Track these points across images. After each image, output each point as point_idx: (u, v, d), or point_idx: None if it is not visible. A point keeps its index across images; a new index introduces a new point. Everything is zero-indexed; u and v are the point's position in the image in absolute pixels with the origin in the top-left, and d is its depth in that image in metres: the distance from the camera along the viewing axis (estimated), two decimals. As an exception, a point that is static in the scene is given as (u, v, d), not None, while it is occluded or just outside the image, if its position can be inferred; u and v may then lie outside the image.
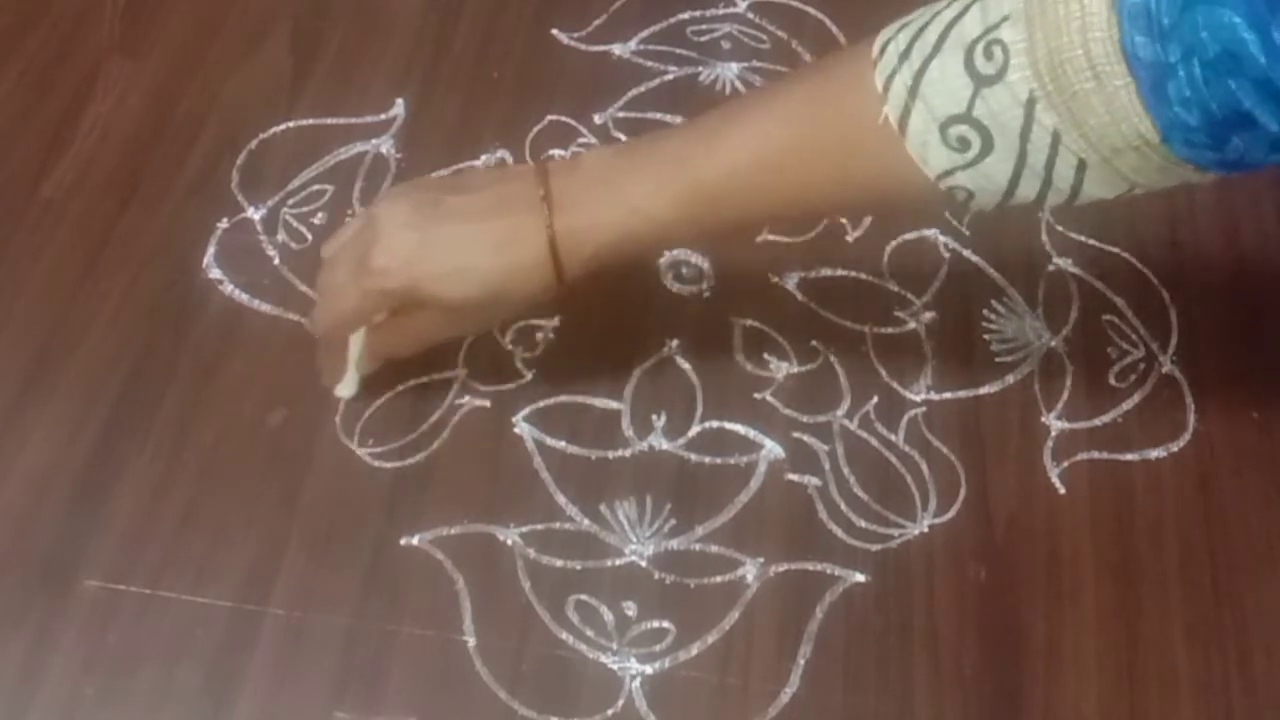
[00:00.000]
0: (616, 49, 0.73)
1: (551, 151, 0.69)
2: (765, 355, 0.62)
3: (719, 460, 0.58)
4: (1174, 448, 0.60)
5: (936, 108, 0.45)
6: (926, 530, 0.57)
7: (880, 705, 0.52)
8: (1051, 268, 0.66)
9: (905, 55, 0.46)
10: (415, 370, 0.60)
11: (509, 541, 0.56)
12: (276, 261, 0.64)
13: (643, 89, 0.71)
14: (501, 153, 0.68)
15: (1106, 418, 0.61)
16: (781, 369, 0.61)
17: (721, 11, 0.75)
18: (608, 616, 0.54)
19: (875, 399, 0.61)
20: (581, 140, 0.69)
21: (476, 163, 0.68)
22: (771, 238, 0.66)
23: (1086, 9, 0.41)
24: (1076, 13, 0.41)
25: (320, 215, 0.65)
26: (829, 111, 0.49)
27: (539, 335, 0.62)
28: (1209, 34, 0.38)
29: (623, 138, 0.69)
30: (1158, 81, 0.40)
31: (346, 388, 0.58)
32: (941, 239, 0.66)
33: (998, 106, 0.44)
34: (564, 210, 0.51)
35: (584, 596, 0.54)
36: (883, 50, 0.47)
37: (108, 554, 0.54)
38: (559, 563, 0.55)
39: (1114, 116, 0.42)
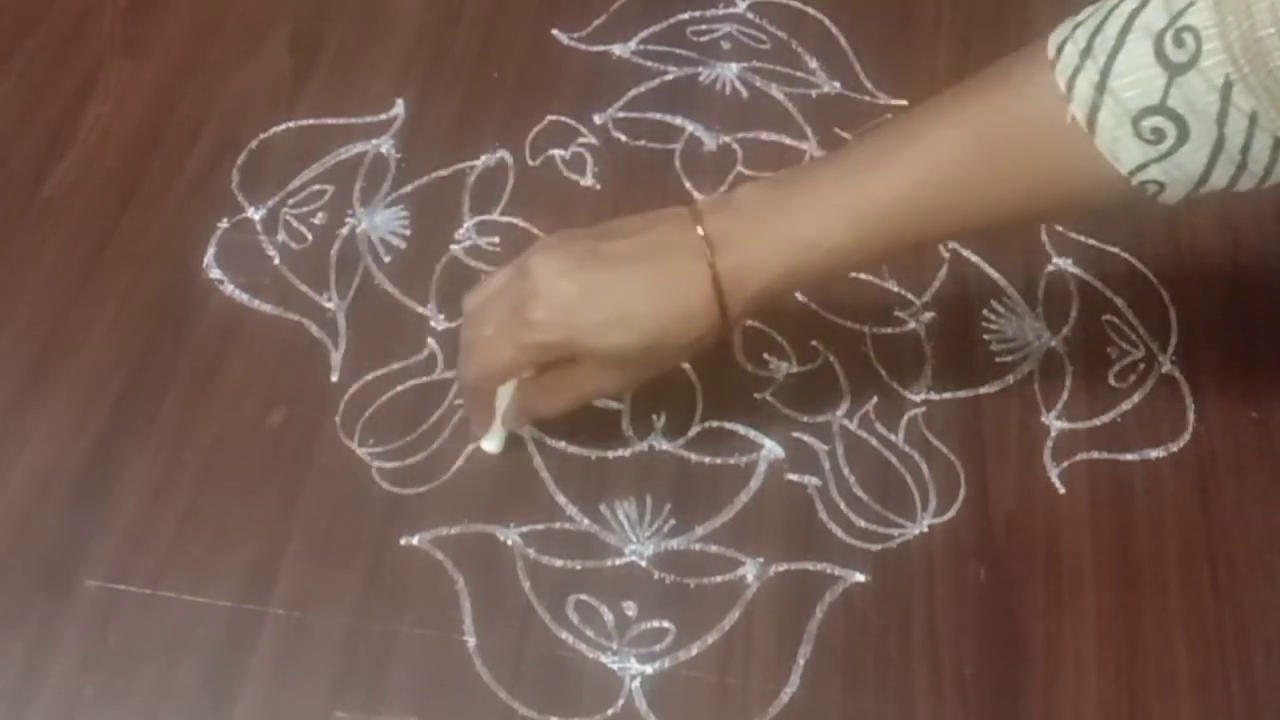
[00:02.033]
0: (616, 49, 0.73)
1: (551, 151, 0.69)
2: (765, 355, 0.62)
3: (719, 460, 0.58)
4: (1173, 447, 0.60)
5: (1128, 101, 0.45)
6: (926, 530, 0.57)
7: (880, 704, 0.52)
8: (1051, 267, 0.66)
9: (1088, 52, 0.45)
10: (416, 370, 0.60)
11: (509, 541, 0.56)
12: (277, 261, 0.64)
13: (642, 89, 0.72)
14: (501, 153, 0.68)
15: (1106, 417, 0.61)
16: (781, 369, 0.61)
17: (721, 12, 0.75)
18: (608, 616, 0.54)
19: (875, 399, 0.61)
20: (581, 140, 0.69)
21: (476, 163, 0.68)
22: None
23: None
24: None
25: (320, 215, 0.65)
26: (1009, 117, 0.48)
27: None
28: None
29: (623, 138, 0.70)
30: None
31: (493, 442, 0.56)
32: (941, 239, 0.66)
33: (1193, 94, 0.43)
34: (726, 249, 0.49)
35: (584, 596, 0.54)
36: (1059, 50, 0.46)
37: (108, 554, 0.54)
38: (559, 562, 0.55)
39: None
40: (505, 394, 0.55)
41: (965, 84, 0.50)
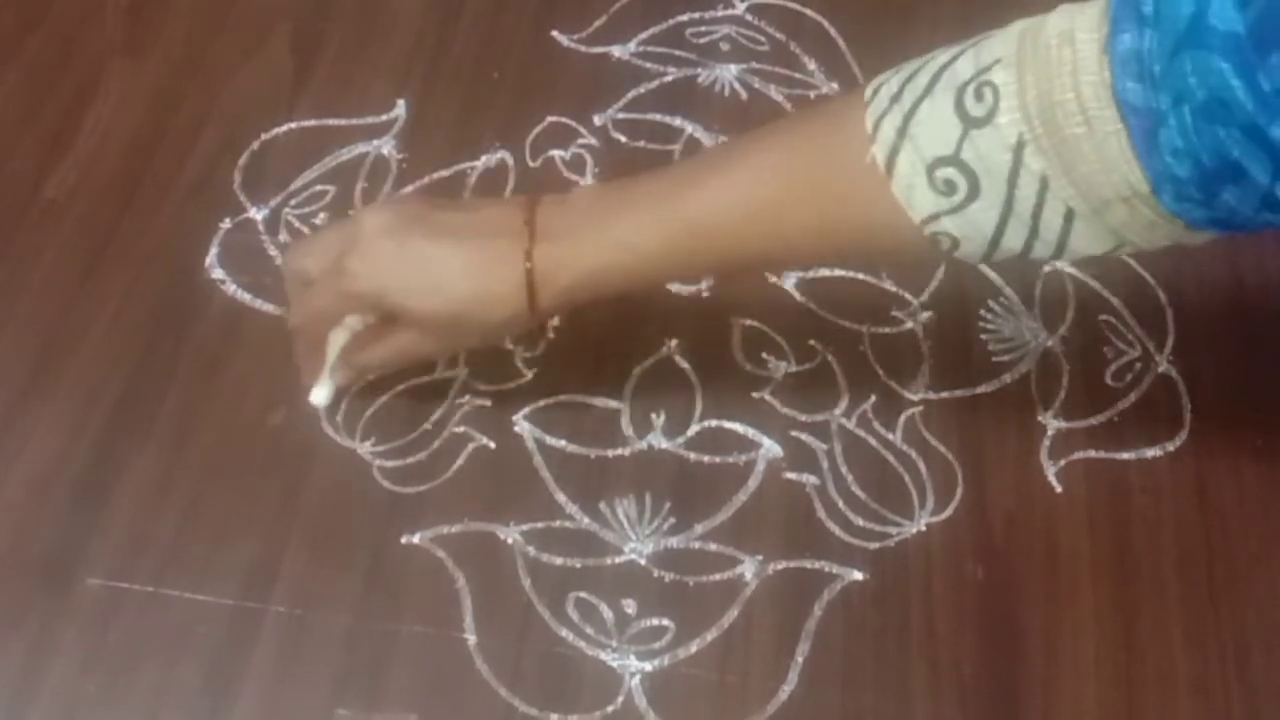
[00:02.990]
0: (616, 50, 0.73)
1: (551, 152, 0.69)
2: (764, 355, 0.62)
3: (718, 459, 0.59)
4: (1170, 447, 0.60)
5: (924, 148, 0.45)
6: (924, 529, 0.57)
7: (878, 703, 0.52)
8: (1048, 268, 0.66)
9: (897, 97, 0.46)
10: (413, 371, 0.60)
11: (509, 540, 0.56)
12: (279, 262, 0.64)
13: (642, 90, 0.72)
14: (502, 153, 0.69)
15: (1103, 417, 0.61)
16: (780, 368, 0.62)
17: (720, 13, 0.76)
18: (607, 614, 0.54)
19: (873, 398, 0.61)
20: (581, 141, 0.69)
21: (476, 163, 0.68)
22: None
23: (1079, 53, 0.41)
24: (1068, 57, 0.41)
25: (322, 216, 0.66)
26: (815, 156, 0.48)
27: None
28: (1197, 80, 0.38)
29: (623, 139, 0.70)
30: (1149, 130, 0.40)
31: (320, 394, 0.57)
32: (939, 239, 0.67)
33: (986, 149, 0.43)
34: (545, 239, 0.51)
35: (584, 594, 0.54)
36: (875, 92, 0.47)
37: (109, 552, 0.54)
38: (559, 561, 0.55)
39: (1104, 164, 0.41)
40: (335, 346, 0.55)
41: (799, 112, 0.51)
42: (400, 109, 0.70)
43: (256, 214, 0.65)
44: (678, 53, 0.74)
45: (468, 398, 0.60)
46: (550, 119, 0.70)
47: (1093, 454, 0.60)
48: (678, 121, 0.71)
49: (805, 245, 0.51)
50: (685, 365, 0.61)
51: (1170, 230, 0.43)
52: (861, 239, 0.49)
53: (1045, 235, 0.44)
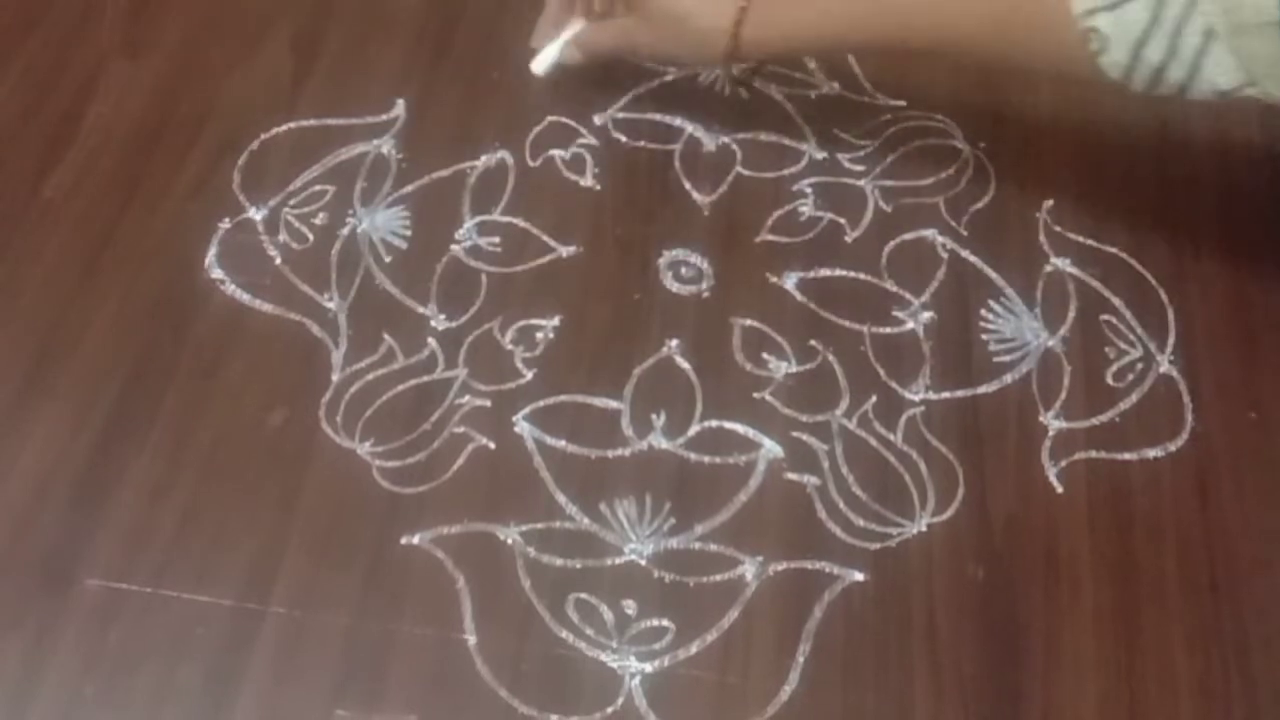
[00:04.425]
0: (616, 50, 0.73)
1: (551, 152, 0.69)
2: (764, 355, 0.62)
3: (718, 459, 0.59)
4: (1172, 447, 0.60)
5: None
6: (925, 529, 0.57)
7: (879, 703, 0.52)
8: (1049, 267, 0.66)
9: None
10: (417, 370, 0.60)
11: (509, 540, 0.56)
12: (278, 261, 0.64)
13: (642, 89, 0.72)
14: (502, 153, 0.69)
15: (1104, 417, 0.61)
16: (780, 368, 0.62)
17: (721, 12, 0.75)
18: (607, 615, 0.54)
19: (874, 398, 0.61)
20: (581, 141, 0.69)
21: (476, 163, 0.68)
22: (771, 238, 0.66)
23: None
24: None
25: (321, 215, 0.66)
26: None
27: (539, 335, 0.62)
28: None
29: (623, 139, 0.70)
30: None
31: (542, 63, 0.68)
32: (940, 239, 0.67)
33: None
34: None
35: (584, 595, 0.54)
36: None
37: (108, 553, 0.54)
38: (559, 561, 0.55)
39: None
40: (571, 29, 0.67)
41: None
42: (400, 109, 0.70)
43: (255, 214, 0.65)
44: (678, 52, 0.73)
45: (468, 398, 0.60)
46: (550, 118, 0.70)
47: (1094, 454, 0.60)
48: (678, 121, 0.71)
49: (976, 32, 0.57)
50: (685, 365, 0.61)
51: None
52: (1026, 30, 0.55)
53: (1183, 53, 0.50)
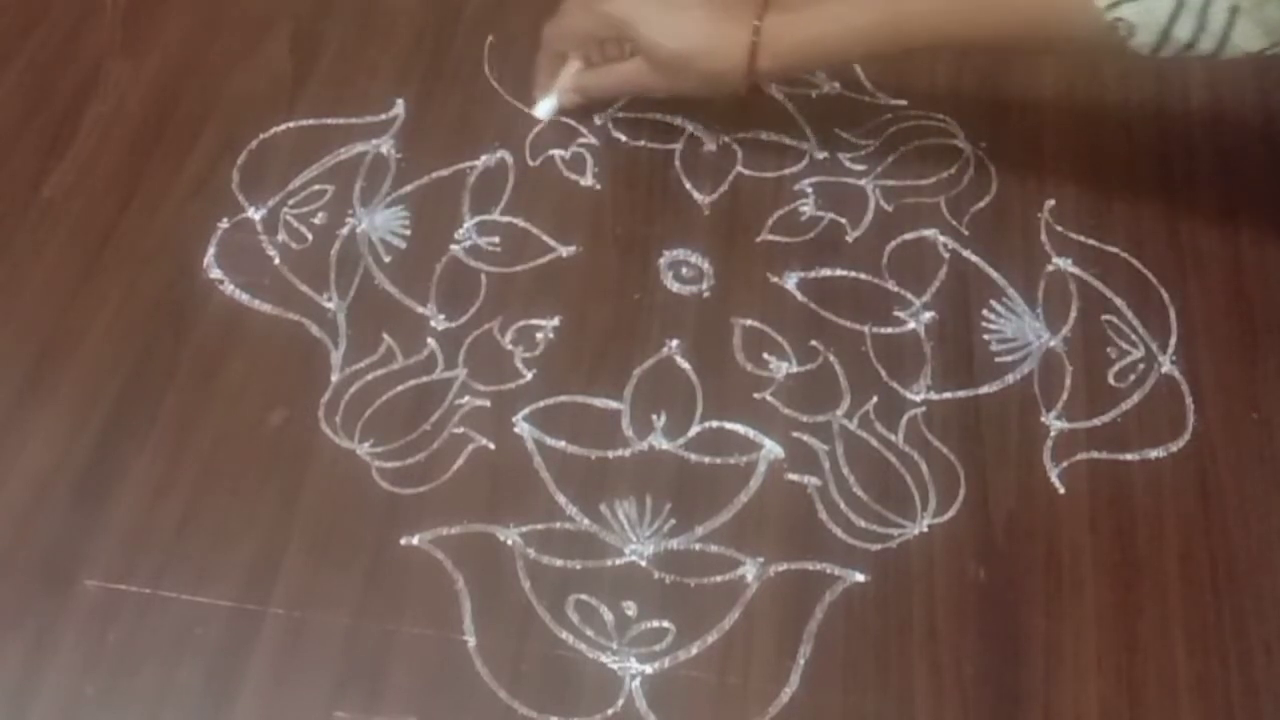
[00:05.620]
0: (616, 49, 0.73)
1: (551, 152, 0.69)
2: (765, 355, 0.62)
3: (719, 460, 0.58)
4: (1173, 447, 0.60)
5: None
6: (926, 530, 0.57)
7: (880, 705, 0.52)
8: (1051, 267, 0.66)
9: None
10: (416, 370, 0.60)
11: (509, 541, 0.56)
12: (277, 261, 0.64)
13: (643, 89, 0.72)
14: (502, 152, 0.68)
15: (1106, 417, 0.61)
16: (781, 369, 0.61)
17: (721, 12, 0.75)
18: (608, 616, 0.54)
19: (875, 399, 0.61)
20: (581, 140, 0.69)
21: (476, 163, 0.68)
22: (771, 238, 0.66)
23: None
24: None
25: (321, 215, 0.65)
26: None
27: (539, 335, 0.62)
28: None
29: (623, 138, 0.70)
30: None
31: (544, 108, 0.69)
32: (941, 239, 0.66)
33: None
34: (775, 10, 0.60)
35: (584, 596, 0.54)
36: None
37: (108, 554, 0.54)
38: (559, 562, 0.55)
39: None
40: (568, 72, 0.67)
41: None
42: (399, 108, 0.70)
43: (255, 214, 0.65)
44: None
45: (467, 398, 0.60)
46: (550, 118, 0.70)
47: (1095, 455, 0.59)
48: (678, 121, 0.70)
49: (1001, 26, 0.58)
50: (686, 365, 0.61)
51: None
52: (1052, 24, 0.56)
53: (1211, 27, 0.52)
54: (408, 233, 0.65)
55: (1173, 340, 0.63)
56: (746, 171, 0.69)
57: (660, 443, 0.59)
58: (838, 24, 0.59)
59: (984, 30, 0.58)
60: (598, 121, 0.70)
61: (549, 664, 0.52)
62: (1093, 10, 0.54)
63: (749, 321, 0.63)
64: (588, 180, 0.68)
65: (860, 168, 0.69)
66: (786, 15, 0.60)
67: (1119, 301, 0.65)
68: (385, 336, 0.61)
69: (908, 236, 0.66)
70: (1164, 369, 0.62)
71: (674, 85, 0.64)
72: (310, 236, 0.65)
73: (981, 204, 0.68)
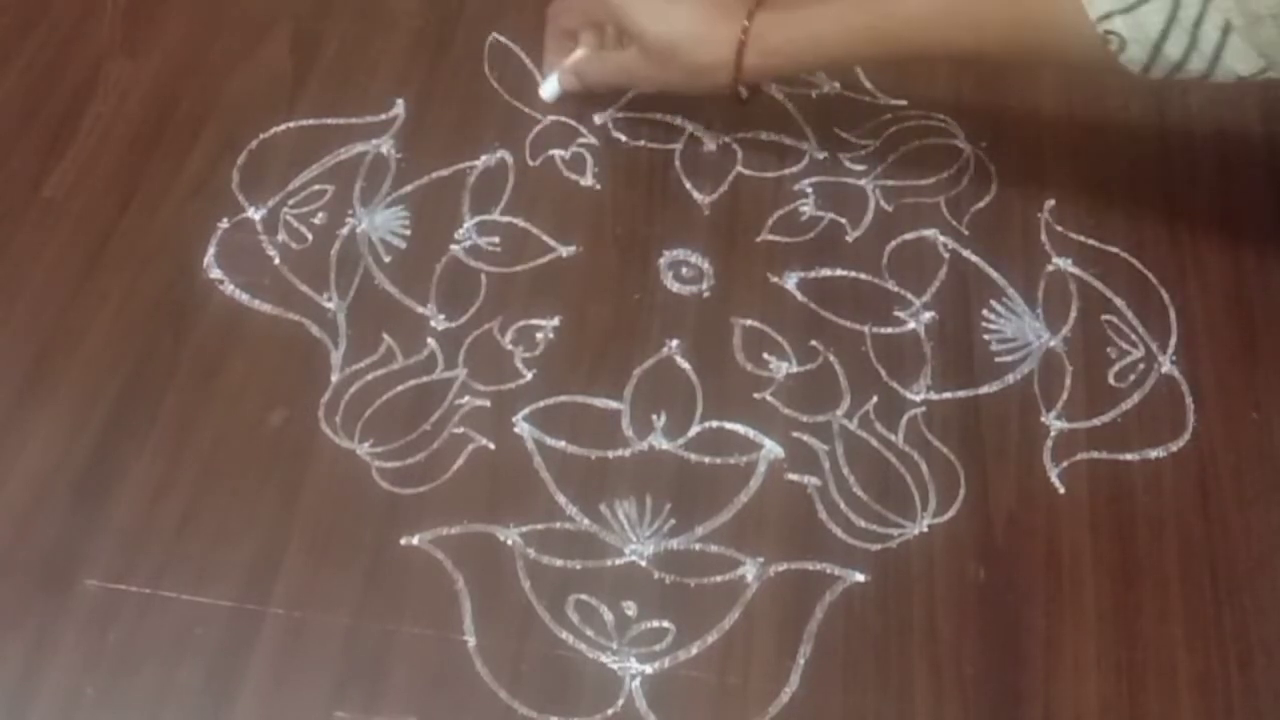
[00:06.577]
0: (616, 49, 0.73)
1: (551, 152, 0.69)
2: (765, 355, 0.62)
3: (719, 460, 0.58)
4: (1174, 447, 0.60)
5: None
6: (926, 530, 0.57)
7: (880, 704, 0.52)
8: (1051, 267, 0.66)
9: None
10: (416, 370, 0.60)
11: (509, 541, 0.56)
12: (277, 261, 0.64)
13: (643, 89, 0.72)
14: (502, 152, 0.68)
15: (1106, 417, 0.61)
16: (781, 369, 0.61)
17: (721, 12, 0.75)
18: (608, 616, 0.54)
19: (875, 399, 0.61)
20: (581, 140, 0.69)
21: (476, 163, 0.68)
22: (771, 238, 0.66)
23: None
24: None
25: (321, 215, 0.65)
26: None
27: (539, 335, 0.62)
28: None
29: (623, 138, 0.70)
30: None
31: (548, 88, 0.70)
32: (941, 239, 0.66)
33: None
34: (766, 8, 0.60)
35: (584, 596, 0.54)
36: None
37: (108, 554, 0.54)
38: (559, 562, 0.55)
39: None
40: (572, 58, 0.68)
41: None
42: (399, 108, 0.70)
43: (254, 214, 0.65)
44: (678, 51, 0.73)
45: (467, 398, 0.60)
46: (550, 118, 0.70)
47: (1095, 455, 0.59)
48: (678, 121, 0.70)
49: (993, 39, 0.58)
50: (686, 365, 0.61)
51: None
52: (1044, 36, 0.56)
53: (1203, 47, 0.52)
54: (408, 233, 0.65)
55: (1173, 340, 0.63)
56: (746, 171, 0.69)
57: (660, 443, 0.59)
58: (828, 26, 0.59)
59: (976, 36, 0.58)
60: (598, 121, 0.70)
61: (549, 664, 0.52)
62: (1085, 22, 0.53)
63: (749, 321, 0.63)
64: (588, 180, 0.68)
65: (860, 168, 0.69)
66: (777, 14, 0.60)
67: (1119, 302, 0.65)
68: (385, 336, 0.61)
69: (908, 236, 0.66)
70: (1164, 369, 0.62)
71: (663, 76, 0.64)
72: (310, 236, 0.65)
73: (981, 204, 0.68)
